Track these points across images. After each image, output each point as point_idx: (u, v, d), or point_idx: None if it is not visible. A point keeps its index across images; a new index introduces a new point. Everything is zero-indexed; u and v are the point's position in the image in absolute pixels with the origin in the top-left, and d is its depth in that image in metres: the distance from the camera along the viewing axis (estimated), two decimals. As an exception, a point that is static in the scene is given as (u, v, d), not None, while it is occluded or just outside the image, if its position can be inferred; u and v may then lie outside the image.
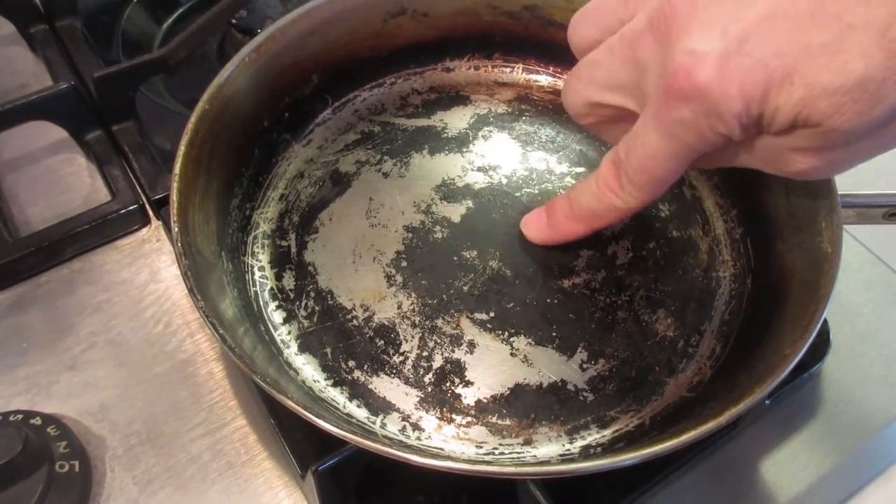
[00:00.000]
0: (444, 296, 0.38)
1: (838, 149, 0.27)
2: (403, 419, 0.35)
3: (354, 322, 0.37)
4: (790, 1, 0.25)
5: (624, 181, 0.32)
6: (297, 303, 0.38)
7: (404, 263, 0.39)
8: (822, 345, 0.40)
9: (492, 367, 0.36)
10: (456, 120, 0.46)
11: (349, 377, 0.36)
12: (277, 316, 0.38)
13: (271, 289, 0.39)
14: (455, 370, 0.36)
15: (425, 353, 0.37)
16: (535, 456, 0.34)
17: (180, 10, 0.60)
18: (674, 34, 0.27)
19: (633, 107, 0.32)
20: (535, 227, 0.39)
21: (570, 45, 0.34)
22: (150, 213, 0.47)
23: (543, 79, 0.48)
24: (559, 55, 0.46)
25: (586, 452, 0.34)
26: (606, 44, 0.31)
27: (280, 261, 0.40)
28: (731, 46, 0.26)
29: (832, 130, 0.26)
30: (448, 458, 0.33)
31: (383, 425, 0.35)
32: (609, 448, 0.34)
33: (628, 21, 0.30)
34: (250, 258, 0.40)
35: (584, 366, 0.36)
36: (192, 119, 0.36)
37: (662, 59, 0.28)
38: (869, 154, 0.28)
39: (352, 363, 0.36)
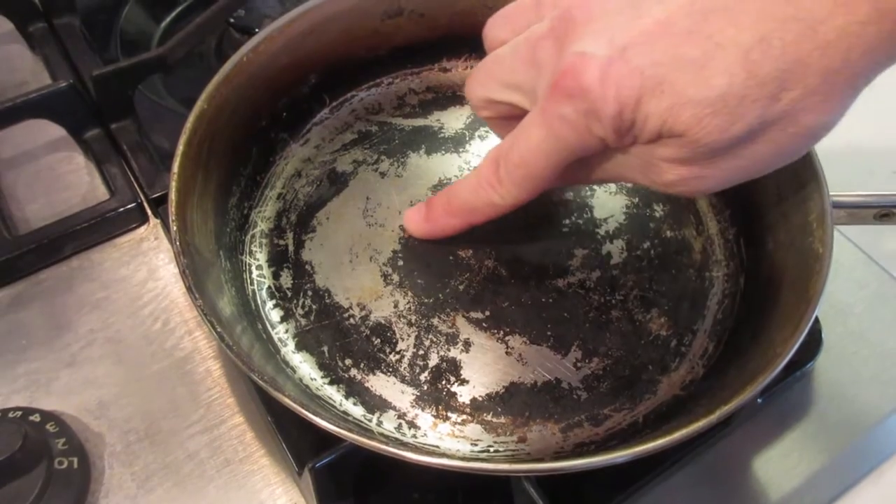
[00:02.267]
0: (440, 295, 0.39)
1: (703, 162, 0.29)
2: (399, 417, 0.35)
3: (351, 320, 0.38)
4: (673, 18, 0.27)
5: (503, 176, 0.33)
6: (295, 301, 0.39)
7: (401, 262, 0.40)
8: (814, 344, 0.41)
9: (487, 365, 0.37)
10: (452, 120, 0.46)
11: (346, 375, 0.36)
12: (275, 314, 0.38)
13: (269, 287, 0.39)
14: (451, 368, 0.36)
15: (421, 352, 0.37)
16: (529, 453, 0.34)
17: (178, 9, 0.60)
18: (569, 39, 0.29)
19: (525, 105, 0.33)
20: (415, 221, 0.40)
21: (484, 44, 0.35)
22: (149, 211, 0.47)
23: (539, 79, 0.49)
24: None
25: (580, 450, 0.34)
26: (513, 43, 0.32)
27: (278, 259, 0.40)
28: (614, 53, 0.27)
29: (694, 142, 0.27)
30: (443, 455, 0.33)
31: (379, 423, 0.35)
32: (602, 445, 0.35)
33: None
34: (248, 257, 0.40)
35: (579, 364, 0.37)
36: (191, 119, 0.37)
37: (557, 61, 0.29)
38: (737, 174, 0.29)
39: (348, 361, 0.37)
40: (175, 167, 0.35)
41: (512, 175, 0.33)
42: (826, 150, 0.37)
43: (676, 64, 0.26)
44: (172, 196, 0.34)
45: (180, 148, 0.36)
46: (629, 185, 0.43)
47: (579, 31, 0.29)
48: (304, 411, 0.29)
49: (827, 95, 0.26)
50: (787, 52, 0.25)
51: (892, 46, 0.25)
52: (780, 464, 0.39)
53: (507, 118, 0.35)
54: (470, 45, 0.48)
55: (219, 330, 0.31)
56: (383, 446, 0.28)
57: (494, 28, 0.34)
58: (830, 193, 0.36)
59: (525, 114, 0.32)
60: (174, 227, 0.34)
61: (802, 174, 0.37)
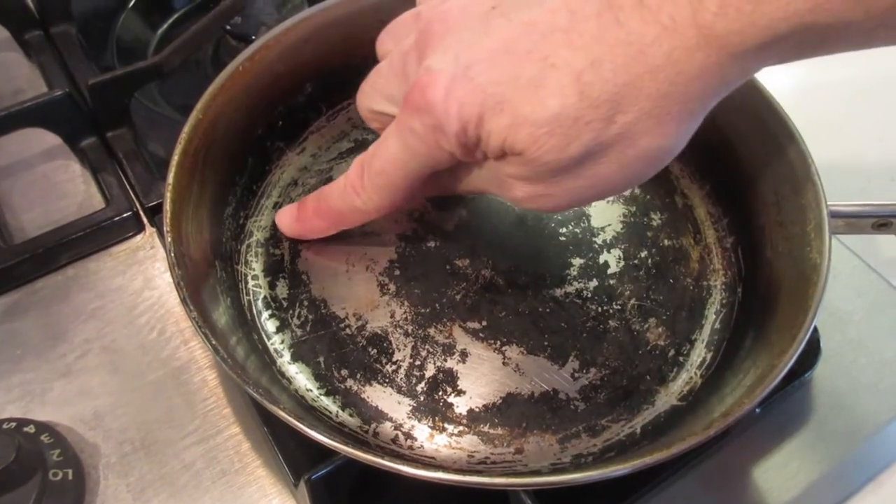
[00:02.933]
0: (437, 304, 0.38)
1: (547, 181, 0.29)
2: (396, 428, 0.35)
3: (347, 331, 0.38)
4: (515, 38, 0.27)
5: (366, 182, 0.34)
6: (291, 311, 0.38)
7: (397, 272, 0.39)
8: (812, 352, 0.41)
9: (484, 375, 0.36)
10: (449, 128, 0.46)
11: (342, 386, 0.36)
12: (271, 325, 0.38)
13: (265, 297, 0.39)
14: (447, 379, 0.36)
15: (418, 362, 0.37)
16: (526, 465, 0.34)
17: (175, 16, 0.60)
18: (426, 52, 0.29)
19: None
20: (286, 221, 0.40)
21: (377, 56, 0.36)
22: (145, 219, 0.47)
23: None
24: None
25: (577, 462, 0.34)
26: (390, 56, 0.33)
27: (274, 269, 0.40)
28: (458, 70, 0.28)
29: (533, 160, 0.28)
30: (439, 468, 0.33)
31: (376, 434, 0.35)
32: (600, 457, 0.34)
33: None
34: (244, 267, 0.40)
35: (576, 375, 0.37)
36: (186, 129, 0.37)
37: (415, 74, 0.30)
38: (585, 193, 0.30)
39: (345, 372, 0.37)
40: (170, 178, 0.35)
41: (374, 182, 0.33)
42: (823, 158, 0.38)
43: (515, 83, 0.27)
44: (167, 207, 0.34)
45: (175, 158, 0.36)
46: (626, 193, 0.43)
47: (434, 45, 0.29)
48: (299, 424, 0.29)
49: (661, 119, 0.27)
50: (618, 74, 0.26)
51: (722, 73, 0.26)
52: (779, 473, 0.39)
53: None
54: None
55: (213, 342, 0.31)
56: (378, 459, 0.28)
57: (382, 41, 0.35)
58: (828, 203, 0.36)
59: None
60: (168, 239, 0.34)
61: (800, 183, 0.37)
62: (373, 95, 0.34)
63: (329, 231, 0.39)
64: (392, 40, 0.34)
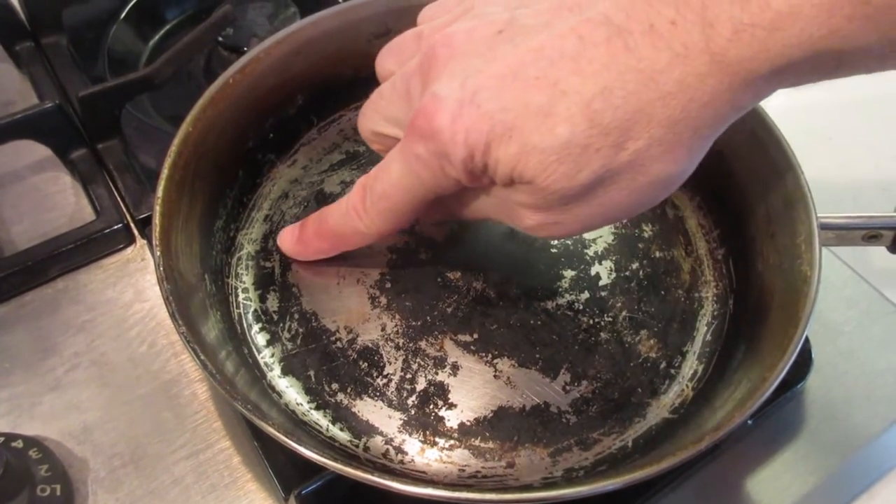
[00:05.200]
0: (428, 317, 0.38)
1: (557, 208, 0.29)
2: (387, 442, 0.35)
3: (338, 344, 0.37)
4: (523, 64, 0.27)
5: (368, 206, 0.33)
6: (281, 325, 0.38)
7: (388, 285, 0.39)
8: (804, 363, 0.41)
9: (475, 389, 0.36)
10: (441, 139, 0.46)
11: (332, 400, 0.36)
12: (261, 338, 0.38)
13: (255, 311, 0.39)
14: (438, 392, 0.36)
15: (409, 376, 0.37)
16: (517, 479, 0.34)
17: (166, 28, 0.60)
18: (431, 77, 0.29)
19: None
20: (288, 241, 0.39)
21: (377, 75, 0.35)
22: (135, 231, 0.47)
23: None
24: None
25: (569, 476, 0.34)
26: (393, 77, 0.33)
27: (264, 282, 0.40)
28: (465, 96, 0.27)
29: (543, 189, 0.28)
30: (430, 482, 0.33)
31: (366, 449, 0.35)
32: (591, 471, 0.34)
33: None
34: (234, 280, 0.40)
35: (567, 388, 0.37)
36: (175, 142, 0.37)
37: (419, 98, 0.30)
38: (595, 220, 0.30)
39: (335, 386, 0.36)
40: (159, 191, 0.35)
41: (376, 206, 0.33)
42: (813, 170, 0.38)
43: (523, 110, 0.26)
44: (156, 221, 0.34)
45: (165, 172, 0.35)
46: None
47: (439, 69, 0.29)
48: (288, 440, 0.29)
49: (672, 146, 0.26)
50: (629, 101, 0.25)
51: (735, 98, 0.25)
52: (771, 485, 0.39)
53: None
54: (458, 64, 0.48)
55: (202, 357, 0.30)
56: (368, 475, 0.28)
57: (383, 59, 0.35)
58: (818, 215, 0.36)
59: None
60: (158, 253, 0.33)
61: (790, 195, 0.37)
62: (374, 118, 0.34)
63: (330, 252, 0.38)
64: (393, 60, 0.34)
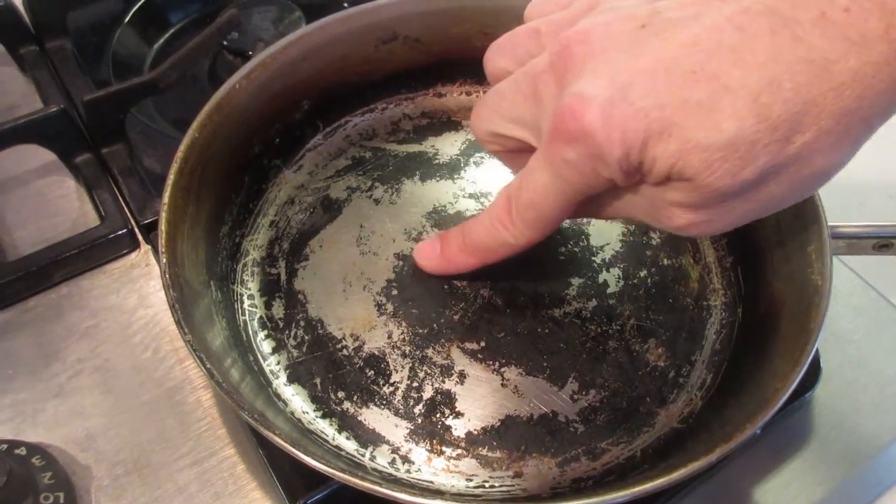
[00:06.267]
0: (435, 325, 0.38)
1: (714, 206, 0.28)
2: (393, 451, 0.34)
3: (344, 352, 0.37)
4: (676, 58, 0.26)
5: (514, 217, 0.33)
6: (287, 332, 0.38)
7: (395, 292, 0.39)
8: (813, 372, 0.40)
9: (482, 397, 0.36)
10: (447, 146, 0.46)
11: (339, 408, 0.36)
12: (266, 345, 0.38)
13: (261, 318, 0.39)
14: (445, 401, 0.36)
15: (415, 384, 0.36)
16: (525, 489, 0.34)
17: (171, 31, 0.60)
18: (569, 76, 0.28)
19: (531, 141, 0.32)
20: (428, 256, 0.39)
21: (485, 72, 0.35)
22: (140, 237, 0.46)
23: (535, 104, 0.48)
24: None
25: (577, 486, 0.34)
26: (514, 76, 0.32)
27: (270, 289, 0.39)
28: (616, 94, 0.26)
29: (704, 186, 0.27)
30: (437, 493, 0.33)
31: (373, 458, 0.34)
32: (600, 481, 0.34)
33: (538, 55, 0.31)
34: (240, 286, 0.40)
35: (575, 396, 0.36)
36: (182, 148, 0.36)
37: (556, 99, 0.29)
38: (746, 215, 0.29)
39: (341, 394, 0.36)
40: (165, 198, 0.35)
41: (523, 216, 0.32)
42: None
43: (683, 106, 0.25)
44: (163, 227, 0.34)
45: (171, 178, 0.35)
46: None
47: (578, 68, 0.28)
48: (294, 450, 0.28)
49: (841, 137, 0.25)
50: (799, 94, 0.24)
51: None
52: (779, 495, 0.39)
53: (516, 151, 0.34)
54: (465, 70, 0.47)
55: (208, 366, 0.30)
56: (376, 487, 0.28)
57: (495, 57, 0.34)
58: (829, 224, 0.35)
59: (532, 147, 0.32)
60: (164, 260, 0.33)
61: (800, 204, 0.36)
62: (494, 118, 0.33)
63: (476, 266, 0.37)
64: (506, 58, 0.33)
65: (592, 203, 0.32)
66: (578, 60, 0.28)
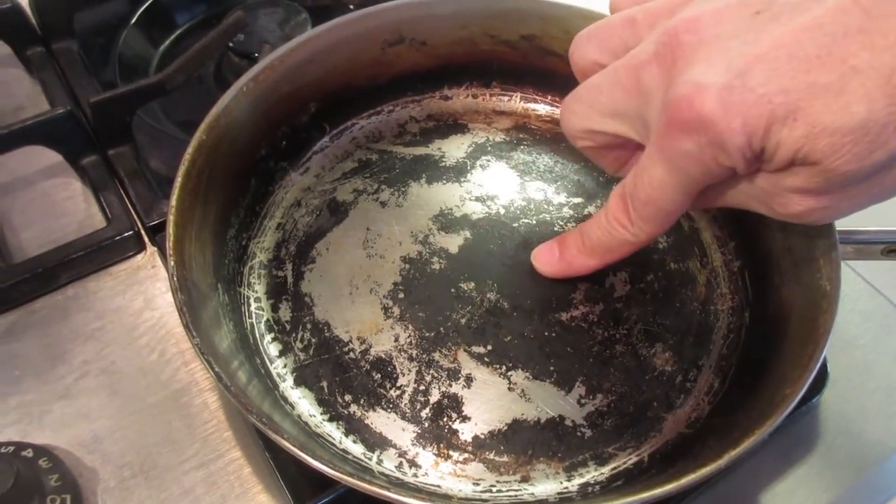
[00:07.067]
0: (442, 328, 0.38)
1: (836, 192, 0.27)
2: (400, 455, 0.34)
3: (351, 355, 0.37)
4: (796, 43, 0.25)
5: (633, 214, 0.32)
6: (294, 335, 0.38)
7: (401, 295, 0.39)
8: (820, 377, 0.40)
9: (489, 401, 0.36)
10: (454, 148, 0.46)
11: (345, 412, 0.36)
12: (273, 348, 0.38)
13: (267, 320, 0.39)
14: (452, 405, 0.36)
15: (422, 388, 0.36)
16: (532, 493, 0.34)
17: (177, 33, 0.60)
18: (679, 65, 0.27)
19: (633, 135, 0.31)
20: (546, 261, 0.39)
21: (571, 65, 0.34)
22: (146, 239, 0.46)
23: (541, 108, 0.48)
24: (557, 84, 0.46)
25: (584, 491, 0.34)
26: (611, 69, 0.31)
27: (276, 291, 0.39)
28: (734, 80, 0.26)
29: (830, 171, 0.26)
30: (444, 496, 0.32)
31: (380, 462, 0.34)
32: (607, 486, 0.34)
33: (633, 46, 0.30)
34: (246, 289, 0.40)
35: (583, 401, 0.36)
36: (189, 150, 0.36)
37: (666, 89, 0.28)
38: (866, 200, 0.28)
39: (348, 397, 0.36)
40: (173, 200, 0.35)
41: (642, 213, 0.32)
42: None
43: (809, 90, 0.25)
44: (170, 230, 0.34)
45: (178, 181, 0.35)
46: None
47: (689, 57, 0.27)
48: (301, 453, 0.28)
49: None
50: None
51: None
52: (785, 501, 0.39)
53: (610, 147, 0.34)
54: (471, 73, 0.47)
55: (216, 370, 0.30)
56: (383, 491, 0.28)
57: (584, 48, 0.33)
58: (837, 228, 0.35)
59: (629, 142, 0.31)
60: (171, 263, 0.33)
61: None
62: (589, 114, 0.32)
63: (597, 267, 0.37)
64: (599, 50, 0.32)
65: (705, 193, 0.31)
66: (689, 49, 0.27)
